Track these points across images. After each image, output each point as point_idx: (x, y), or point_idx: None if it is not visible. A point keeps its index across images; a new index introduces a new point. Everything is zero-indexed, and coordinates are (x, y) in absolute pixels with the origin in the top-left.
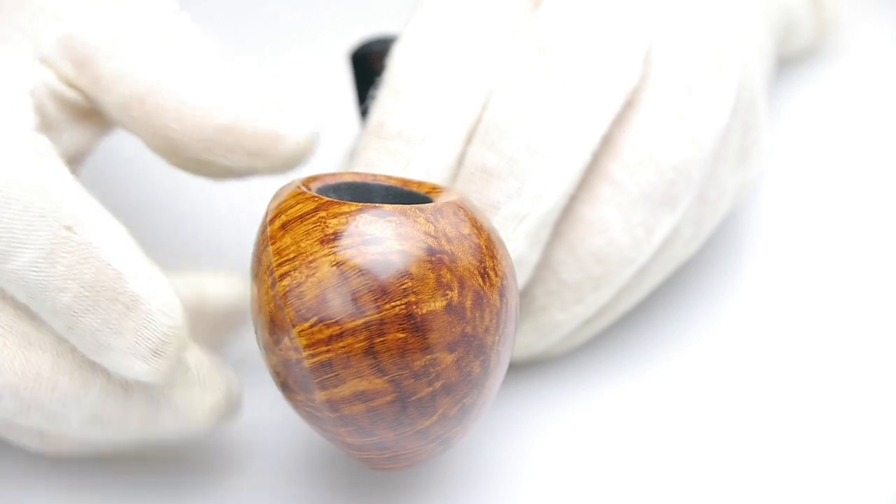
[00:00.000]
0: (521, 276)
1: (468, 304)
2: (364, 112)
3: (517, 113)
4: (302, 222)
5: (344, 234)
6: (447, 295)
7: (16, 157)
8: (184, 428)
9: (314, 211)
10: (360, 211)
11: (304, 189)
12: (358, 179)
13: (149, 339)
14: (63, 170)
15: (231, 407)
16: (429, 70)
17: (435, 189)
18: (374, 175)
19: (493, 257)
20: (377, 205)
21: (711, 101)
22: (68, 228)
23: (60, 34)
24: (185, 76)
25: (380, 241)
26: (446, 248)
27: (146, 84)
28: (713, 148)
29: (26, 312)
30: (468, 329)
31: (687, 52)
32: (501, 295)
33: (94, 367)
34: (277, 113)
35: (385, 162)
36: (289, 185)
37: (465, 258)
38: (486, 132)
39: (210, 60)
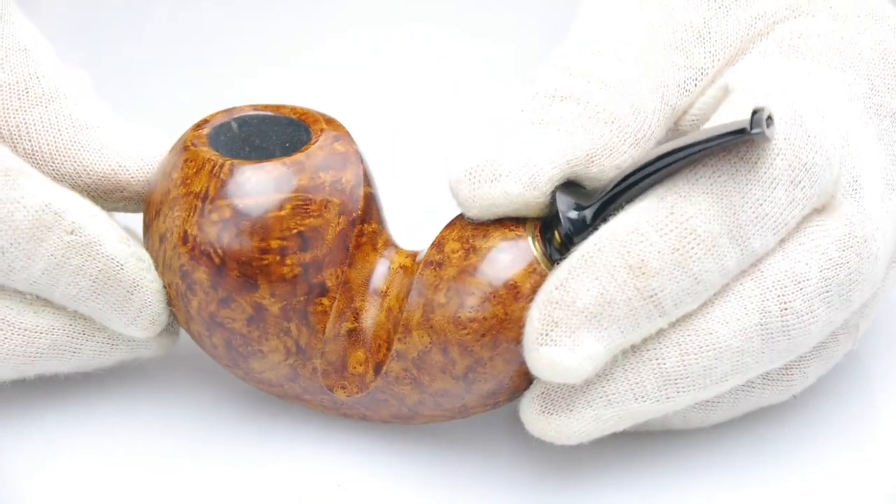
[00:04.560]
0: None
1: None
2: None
3: (726, 347)
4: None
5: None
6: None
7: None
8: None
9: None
10: (191, 136)
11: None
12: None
13: (149, 315)
14: (45, 179)
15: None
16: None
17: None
18: (298, 108)
19: (211, 201)
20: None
21: None
22: (71, 233)
23: None
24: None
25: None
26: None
27: None
28: None
29: None
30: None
31: None
32: (193, 258)
33: None
34: None
35: (615, 294)
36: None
37: (170, 192)
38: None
39: None
